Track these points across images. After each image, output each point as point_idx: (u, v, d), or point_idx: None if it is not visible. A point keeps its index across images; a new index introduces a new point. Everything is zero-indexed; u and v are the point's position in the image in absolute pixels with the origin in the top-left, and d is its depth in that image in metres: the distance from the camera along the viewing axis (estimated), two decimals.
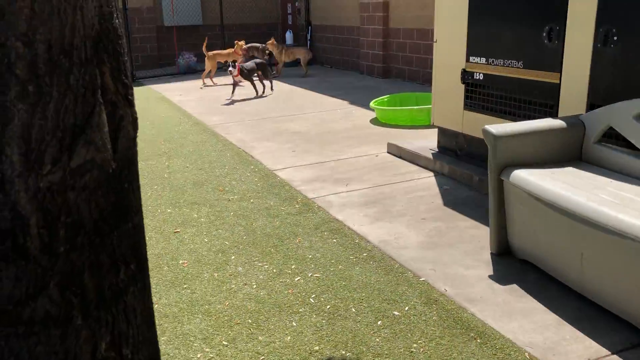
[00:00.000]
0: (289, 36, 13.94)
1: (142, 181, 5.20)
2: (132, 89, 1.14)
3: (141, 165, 5.74)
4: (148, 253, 3.81)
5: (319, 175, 5.21)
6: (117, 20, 1.06)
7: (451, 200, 4.44)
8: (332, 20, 13.16)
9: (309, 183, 4.98)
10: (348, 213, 4.24)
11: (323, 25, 13.57)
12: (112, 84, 1.04)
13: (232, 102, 9.25)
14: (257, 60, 9.92)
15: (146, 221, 4.23)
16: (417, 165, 5.37)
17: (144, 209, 4.54)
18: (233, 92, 9.57)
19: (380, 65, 11.28)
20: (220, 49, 12.85)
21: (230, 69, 9.32)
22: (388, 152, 5.86)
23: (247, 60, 10.37)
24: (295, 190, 4.79)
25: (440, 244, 3.66)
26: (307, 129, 7.08)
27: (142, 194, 4.89)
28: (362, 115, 7.77)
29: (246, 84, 10.02)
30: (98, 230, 1.02)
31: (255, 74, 9.74)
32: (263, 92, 9.84)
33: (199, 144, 6.50)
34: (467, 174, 4.77)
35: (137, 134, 1.20)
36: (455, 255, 3.49)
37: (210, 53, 11.06)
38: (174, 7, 14.23)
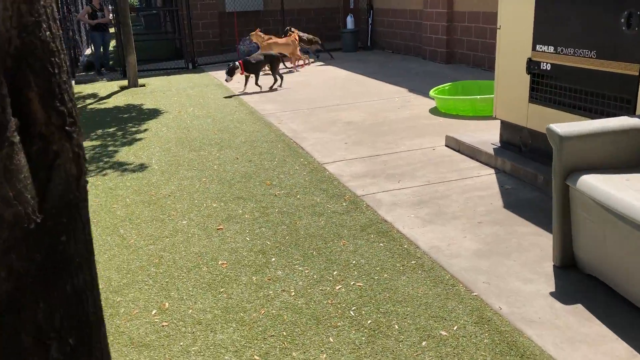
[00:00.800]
0: (350, 20, 13.61)
1: (192, 173, 5.14)
2: (73, 117, 0.93)
3: (192, 155, 5.68)
4: (190, 251, 3.73)
5: (370, 170, 4.96)
6: (48, 32, 0.85)
7: (512, 201, 4.10)
8: (394, 3, 12.73)
9: (358, 178, 4.75)
10: (398, 213, 3.99)
11: (385, 8, 13.17)
12: (42, 112, 0.84)
13: (287, 89, 9.09)
14: (267, 53, 9.29)
15: (191, 216, 4.14)
16: (477, 160, 5.02)
17: (191, 202, 4.44)
18: (246, 84, 9.02)
19: (443, 51, 10.81)
20: (279, 36, 12.72)
21: (231, 65, 8.65)
22: (446, 146, 5.53)
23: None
24: (344, 187, 4.57)
25: (496, 252, 3.36)
26: (362, 119, 6.83)
27: (191, 186, 4.83)
28: (420, 104, 7.43)
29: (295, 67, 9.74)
30: (12, 303, 0.83)
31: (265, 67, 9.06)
32: (273, 85, 9.10)
33: (251, 134, 6.38)
34: (531, 173, 4.39)
35: (84, 171, 1.00)
36: (513, 267, 3.19)
37: (265, 43, 10.95)
38: None
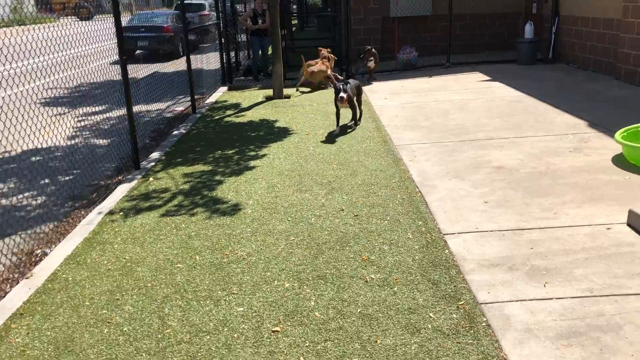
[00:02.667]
0: (528, 29, 11.72)
1: (283, 225, 4.23)
2: None
3: (295, 198, 4.77)
4: None
5: (509, 254, 3.59)
6: None
7: None
8: (584, 10, 10.64)
9: (488, 268, 3.42)
10: (530, 351, 2.63)
11: (573, 16, 11.10)
12: None
13: (438, 112, 7.79)
14: (355, 82, 7.43)
15: (252, 300, 3.22)
16: None
17: (263, 275, 3.39)
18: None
19: None
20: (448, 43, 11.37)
21: (342, 94, 6.85)
22: (628, 225, 3.91)
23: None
24: (463, 281, 3.29)
25: None
26: (517, 164, 5.35)
27: (274, 247, 3.83)
28: (602, 148, 5.70)
29: None
30: None
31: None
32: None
33: (372, 174, 5.29)
34: None
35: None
36: None
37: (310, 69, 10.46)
38: None
